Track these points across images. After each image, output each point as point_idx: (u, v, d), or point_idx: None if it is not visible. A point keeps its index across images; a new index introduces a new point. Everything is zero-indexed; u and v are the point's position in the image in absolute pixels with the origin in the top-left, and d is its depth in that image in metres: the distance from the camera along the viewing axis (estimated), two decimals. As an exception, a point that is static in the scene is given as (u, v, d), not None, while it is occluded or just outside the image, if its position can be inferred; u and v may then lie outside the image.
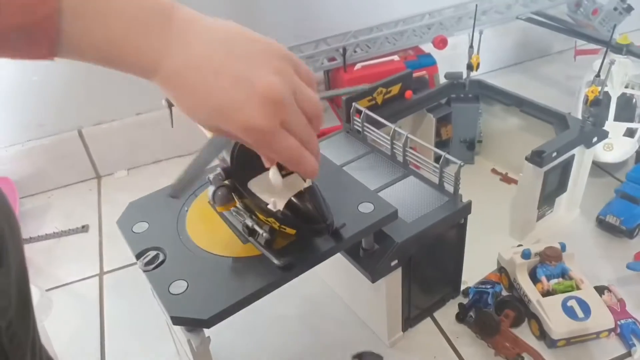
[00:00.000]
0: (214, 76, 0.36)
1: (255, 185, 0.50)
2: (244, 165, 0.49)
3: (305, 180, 0.48)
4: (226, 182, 0.50)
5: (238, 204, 0.52)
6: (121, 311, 0.81)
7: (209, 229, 0.56)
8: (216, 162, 0.55)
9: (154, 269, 0.51)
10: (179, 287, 0.49)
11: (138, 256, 0.53)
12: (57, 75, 1.00)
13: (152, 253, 0.53)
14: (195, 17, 0.37)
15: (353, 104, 0.78)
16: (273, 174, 0.43)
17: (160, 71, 0.35)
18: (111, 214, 1.01)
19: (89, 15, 0.33)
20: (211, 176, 0.50)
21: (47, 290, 0.85)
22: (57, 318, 0.74)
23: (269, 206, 0.47)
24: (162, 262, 0.52)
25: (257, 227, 0.51)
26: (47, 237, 0.97)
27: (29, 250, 0.92)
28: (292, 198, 0.47)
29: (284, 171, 0.46)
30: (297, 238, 0.51)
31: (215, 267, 0.51)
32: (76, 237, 0.97)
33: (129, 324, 0.79)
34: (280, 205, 0.47)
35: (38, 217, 1.03)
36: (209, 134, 0.44)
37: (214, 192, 0.50)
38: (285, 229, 0.49)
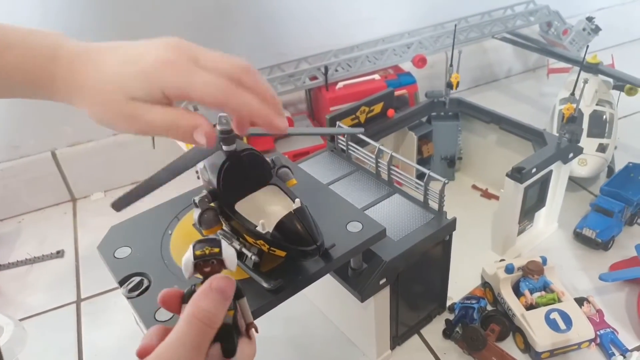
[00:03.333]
0: (114, 51, 0.38)
1: (242, 207, 0.49)
2: (230, 187, 0.48)
3: (294, 202, 0.47)
4: (212, 204, 0.49)
5: (225, 227, 0.51)
6: (100, 340, 0.78)
7: (195, 253, 0.55)
8: (202, 183, 0.54)
9: (138, 295, 0.50)
10: (165, 314, 0.47)
11: (121, 282, 0.51)
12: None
13: (136, 279, 0.51)
14: (81, 43, 0.39)
15: (337, 123, 0.79)
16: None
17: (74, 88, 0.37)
18: (88, 238, 0.98)
19: None
20: (197, 199, 0.48)
21: (21, 320, 0.82)
22: (33, 350, 0.71)
23: (258, 228, 0.46)
24: (147, 288, 0.51)
25: (245, 250, 0.50)
26: (18, 263, 0.93)
27: None
28: (282, 219, 0.46)
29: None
30: (287, 260, 0.50)
31: (203, 292, 0.50)
32: (51, 262, 0.93)
33: (109, 353, 0.76)
34: (270, 227, 0.46)
35: (9, 242, 0.99)
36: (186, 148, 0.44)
37: (201, 215, 0.49)
38: (275, 251, 0.48)
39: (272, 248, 0.47)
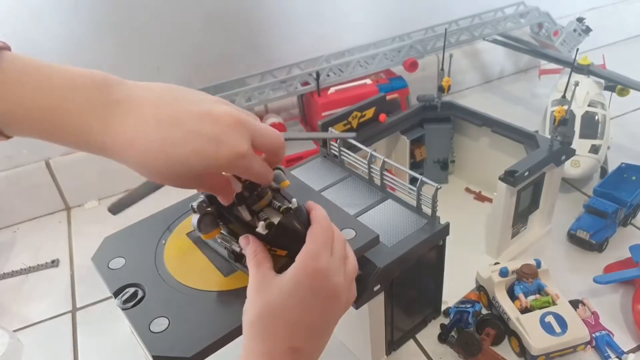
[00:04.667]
0: (173, 124, 0.35)
1: (241, 209, 0.48)
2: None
3: (290, 202, 0.47)
4: (209, 209, 0.49)
5: (223, 230, 0.51)
6: (96, 349, 0.78)
7: (189, 263, 0.55)
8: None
9: (133, 306, 0.50)
10: (160, 324, 0.47)
11: (116, 294, 0.51)
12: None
13: (131, 290, 0.51)
14: (127, 82, 0.37)
15: (329, 128, 0.79)
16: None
17: (109, 139, 0.35)
18: (83, 247, 0.98)
19: (22, 85, 0.33)
20: (195, 204, 0.49)
21: (15, 330, 0.81)
22: (28, 360, 0.71)
23: (258, 229, 0.46)
24: (142, 299, 0.51)
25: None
26: (13, 274, 0.93)
27: (-5, 288, 0.88)
28: (281, 220, 0.46)
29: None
30: (290, 258, 0.48)
31: (197, 302, 0.50)
32: (46, 272, 0.93)
33: (105, 362, 0.76)
34: (270, 228, 0.46)
35: (4, 252, 0.98)
36: None
37: (200, 220, 0.49)
38: (275, 251, 0.47)
39: (273, 248, 0.47)
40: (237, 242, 0.50)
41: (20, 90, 0.34)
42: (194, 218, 0.49)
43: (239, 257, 0.50)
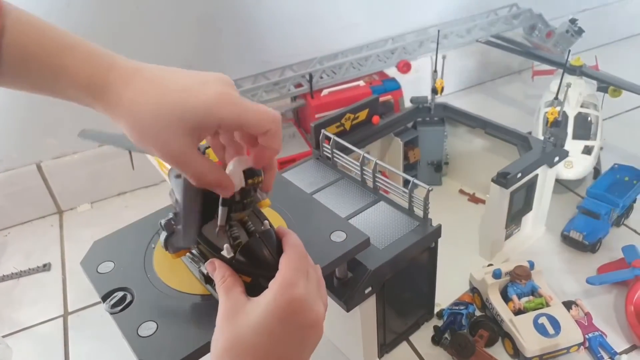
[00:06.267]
0: (168, 81, 0.37)
1: (208, 230, 0.45)
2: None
3: (262, 224, 0.44)
4: (179, 227, 0.46)
5: (193, 250, 0.49)
6: (88, 354, 0.78)
7: (177, 266, 0.54)
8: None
9: (121, 310, 0.49)
10: (148, 329, 0.47)
11: (104, 298, 0.51)
12: (15, 107, 0.97)
13: (119, 294, 0.51)
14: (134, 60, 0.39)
15: (322, 130, 0.78)
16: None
17: (113, 74, 0.36)
18: (75, 250, 0.98)
19: (32, 39, 0.34)
20: (163, 221, 0.46)
21: (5, 336, 0.81)
22: (18, 366, 0.70)
23: (223, 252, 0.43)
24: (130, 303, 0.50)
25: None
26: (4, 278, 0.92)
27: (-16, 293, 0.88)
28: (246, 243, 0.42)
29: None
30: (251, 287, 0.44)
31: (186, 306, 0.49)
32: (37, 276, 0.93)
33: (97, 367, 0.75)
34: (233, 252, 0.43)
35: (-6, 257, 0.98)
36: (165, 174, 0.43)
37: (167, 239, 0.47)
38: (241, 276, 0.44)
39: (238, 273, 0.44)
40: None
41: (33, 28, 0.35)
42: (162, 236, 0.47)
43: (209, 279, 0.47)
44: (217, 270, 0.42)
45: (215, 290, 0.46)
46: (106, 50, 0.38)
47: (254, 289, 0.40)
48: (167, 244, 0.47)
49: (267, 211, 0.49)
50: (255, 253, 0.42)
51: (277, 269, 0.40)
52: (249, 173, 0.41)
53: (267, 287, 0.39)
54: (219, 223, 0.43)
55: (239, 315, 0.38)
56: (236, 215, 0.43)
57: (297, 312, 0.37)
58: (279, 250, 0.42)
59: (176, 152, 0.37)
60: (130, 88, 0.36)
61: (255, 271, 0.42)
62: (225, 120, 0.37)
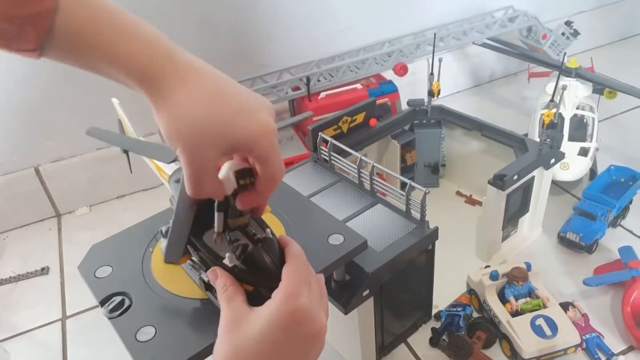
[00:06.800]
0: (225, 84, 0.37)
1: (209, 238, 0.45)
2: (198, 216, 0.45)
3: (264, 231, 0.44)
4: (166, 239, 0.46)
5: (194, 257, 0.49)
6: (86, 358, 0.77)
7: (175, 270, 0.54)
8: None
9: (119, 315, 0.49)
10: (146, 333, 0.47)
11: (102, 303, 0.51)
12: (14, 111, 0.97)
13: (117, 299, 0.51)
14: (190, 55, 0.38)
15: (319, 133, 0.79)
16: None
17: (169, 68, 0.35)
18: (73, 254, 0.98)
19: (87, 18, 0.33)
20: (164, 228, 0.47)
21: (3, 340, 0.81)
22: (16, 370, 0.70)
23: (225, 261, 0.42)
24: (128, 307, 0.50)
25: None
26: (2, 282, 0.92)
27: (-18, 297, 0.88)
28: (249, 251, 0.42)
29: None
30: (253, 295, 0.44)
31: (184, 310, 0.49)
32: (35, 280, 0.93)
33: (95, 371, 0.75)
34: (236, 260, 0.42)
35: (-7, 260, 0.98)
36: (165, 181, 0.43)
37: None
38: (243, 284, 0.43)
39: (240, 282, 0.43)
40: (207, 271, 0.46)
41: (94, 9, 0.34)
42: (163, 243, 0.47)
43: (209, 287, 0.47)
44: (219, 278, 0.42)
45: (216, 297, 0.46)
46: (163, 36, 0.37)
47: (255, 298, 0.40)
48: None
49: (264, 214, 0.49)
50: (257, 262, 0.42)
51: (279, 278, 0.40)
52: (240, 174, 0.41)
53: (268, 297, 0.39)
54: (215, 230, 0.43)
55: (242, 325, 0.37)
56: (235, 222, 0.43)
57: (300, 322, 0.37)
58: (281, 260, 0.42)
59: (205, 164, 0.37)
60: (186, 89, 0.36)
61: (257, 280, 0.42)
62: (255, 153, 0.38)
